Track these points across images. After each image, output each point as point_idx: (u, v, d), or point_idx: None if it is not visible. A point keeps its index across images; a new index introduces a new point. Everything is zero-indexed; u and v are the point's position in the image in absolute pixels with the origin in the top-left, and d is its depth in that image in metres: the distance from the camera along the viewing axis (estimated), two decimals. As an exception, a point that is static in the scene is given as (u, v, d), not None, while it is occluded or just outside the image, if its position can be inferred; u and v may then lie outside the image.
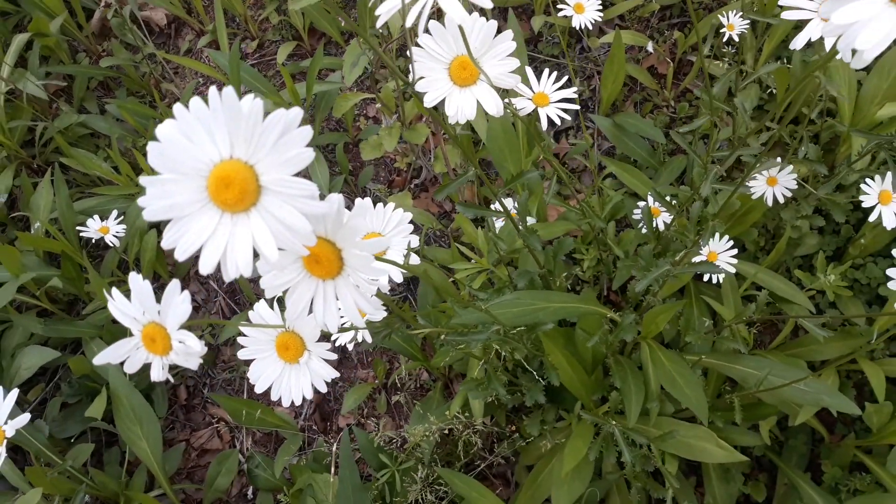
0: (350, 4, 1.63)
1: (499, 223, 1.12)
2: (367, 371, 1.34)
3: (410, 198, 1.38)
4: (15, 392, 0.74)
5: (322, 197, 0.41)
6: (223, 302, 1.44)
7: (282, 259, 0.44)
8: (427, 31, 0.55)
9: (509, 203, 1.14)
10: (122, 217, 1.29)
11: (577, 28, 0.95)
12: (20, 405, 1.31)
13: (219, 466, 1.23)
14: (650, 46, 1.36)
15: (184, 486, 1.29)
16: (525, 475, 1.21)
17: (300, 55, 1.61)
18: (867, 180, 0.89)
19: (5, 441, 0.74)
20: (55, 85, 1.60)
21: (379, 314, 0.67)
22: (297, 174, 0.39)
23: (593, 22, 0.94)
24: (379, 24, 0.47)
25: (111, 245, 1.27)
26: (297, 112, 0.37)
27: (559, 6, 0.96)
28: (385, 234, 0.65)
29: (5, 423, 0.74)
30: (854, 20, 0.39)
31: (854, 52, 0.42)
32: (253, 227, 0.39)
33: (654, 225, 1.02)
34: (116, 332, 1.28)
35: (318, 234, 0.44)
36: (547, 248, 1.17)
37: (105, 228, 1.26)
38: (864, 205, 0.89)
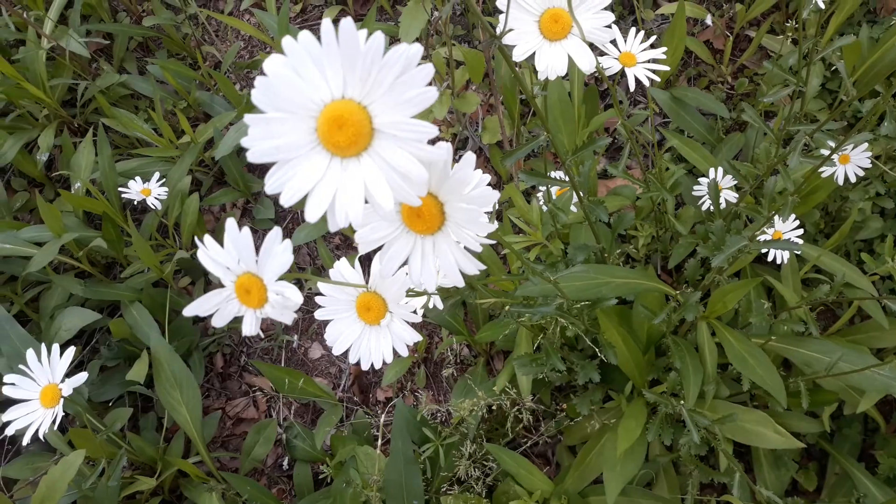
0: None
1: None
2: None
3: (455, 169, 1.35)
4: (71, 350, 0.72)
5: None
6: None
7: (379, 212, 0.41)
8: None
9: (560, 176, 1.11)
10: (163, 180, 1.27)
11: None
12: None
13: (256, 435, 1.21)
14: (709, 19, 1.31)
15: (219, 454, 1.28)
16: (567, 456, 1.19)
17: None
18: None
19: (62, 400, 0.72)
20: (95, 44, 1.58)
21: (476, 270, 0.64)
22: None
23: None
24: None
25: (152, 207, 1.25)
26: (418, 48, 0.34)
27: None
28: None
29: (62, 381, 0.72)
30: None
31: None
32: (365, 172, 0.36)
33: (722, 201, 0.98)
34: (156, 296, 1.26)
35: (421, 186, 0.42)
36: (618, 213, 1.14)
37: (147, 191, 1.23)
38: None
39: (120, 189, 1.24)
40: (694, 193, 1.05)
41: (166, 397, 1.13)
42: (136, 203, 1.43)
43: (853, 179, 0.94)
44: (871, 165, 0.93)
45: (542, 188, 1.05)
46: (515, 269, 1.13)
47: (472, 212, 0.41)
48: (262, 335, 1.37)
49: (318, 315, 0.52)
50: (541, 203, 1.06)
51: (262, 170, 1.45)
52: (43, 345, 0.77)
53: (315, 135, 0.36)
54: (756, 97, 1.28)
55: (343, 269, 0.52)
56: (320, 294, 0.52)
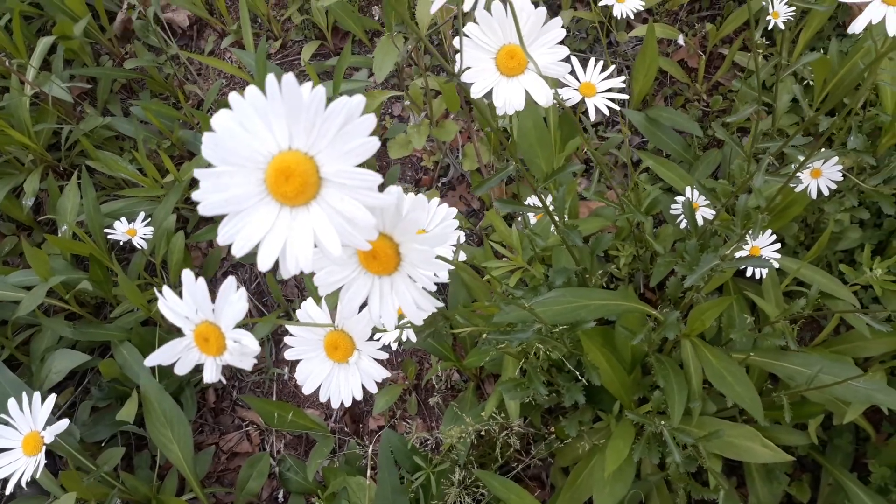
0: (370, 3, 1.62)
1: (531, 220, 1.10)
2: (398, 372, 1.33)
3: (438, 196, 1.36)
4: (52, 398, 0.73)
5: (381, 188, 0.39)
6: (251, 304, 1.43)
7: (341, 255, 0.42)
8: (466, 26, 0.53)
9: (538, 201, 1.12)
10: (149, 219, 1.28)
11: (619, 17, 0.92)
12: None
13: (250, 469, 1.21)
14: (681, 39, 1.33)
15: (214, 489, 1.27)
16: (561, 477, 1.19)
17: (323, 55, 1.60)
18: (918, 170, 0.86)
19: (44, 447, 0.72)
20: (79, 88, 1.60)
21: (434, 308, 0.65)
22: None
23: (635, 11, 0.92)
24: (434, 8, 0.45)
25: (139, 247, 1.26)
26: (360, 99, 0.35)
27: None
28: (429, 230, 0.63)
29: (43, 428, 0.72)
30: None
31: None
32: (314, 221, 0.37)
33: (698, 219, 0.99)
34: (145, 335, 1.27)
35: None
36: (595, 236, 1.15)
37: (132, 231, 1.25)
38: (915, 195, 0.86)
39: (105, 230, 1.25)
40: (671, 212, 1.06)
41: (157, 436, 1.14)
42: (121, 244, 1.44)
43: (826, 193, 0.95)
44: (842, 178, 0.95)
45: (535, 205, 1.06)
46: (500, 294, 1.13)
47: (426, 252, 0.41)
48: (250, 370, 1.38)
49: (288, 355, 0.53)
50: (521, 228, 1.07)
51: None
52: (24, 393, 0.78)
53: (264, 186, 0.37)
54: (730, 113, 1.29)
55: (310, 308, 0.52)
56: (299, 326, 0.52)
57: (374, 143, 0.35)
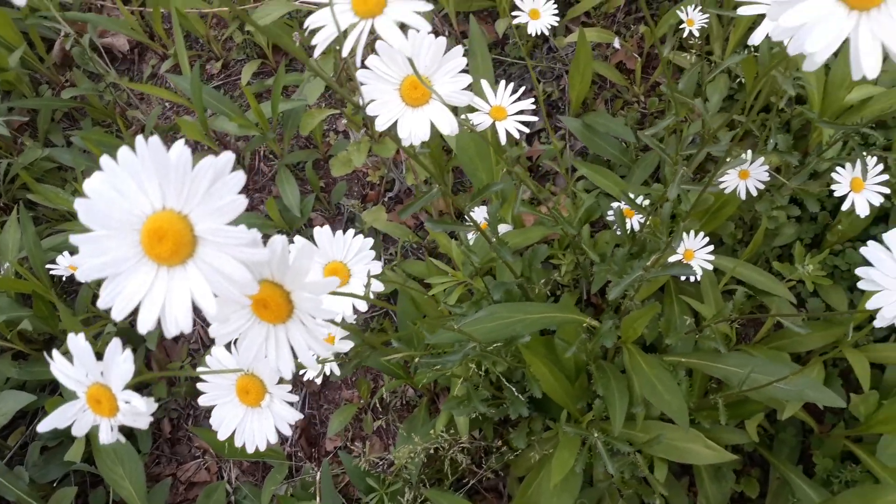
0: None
1: (473, 234, 1.11)
2: (352, 391, 1.32)
3: (384, 211, 1.36)
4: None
5: (289, 232, 0.40)
6: (201, 330, 1.42)
7: (225, 309, 0.42)
8: (367, 58, 0.54)
9: (484, 212, 1.13)
10: (93, 251, 1.27)
11: (535, 34, 0.93)
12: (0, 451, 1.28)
13: (206, 500, 1.21)
14: (616, 42, 1.35)
15: (173, 520, 1.26)
16: (517, 487, 1.19)
17: (266, 73, 1.59)
18: (838, 168, 0.88)
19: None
20: (18, 120, 1.58)
21: (329, 354, 0.66)
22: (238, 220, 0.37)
23: (549, 27, 0.93)
24: (316, 53, 0.45)
25: (83, 281, 1.24)
26: (227, 158, 0.36)
27: (514, 14, 0.94)
28: (346, 261, 0.63)
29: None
30: (803, 22, 0.38)
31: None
32: (190, 279, 0.37)
33: (629, 226, 1.01)
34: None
35: (264, 277, 0.43)
36: (526, 253, 1.16)
37: (74, 266, 1.23)
38: (836, 194, 0.88)
39: (48, 266, 1.23)
40: (608, 219, 1.08)
41: (109, 473, 1.12)
42: (68, 277, 1.42)
43: (755, 193, 0.97)
44: (769, 178, 0.96)
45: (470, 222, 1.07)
46: (435, 312, 1.14)
47: (315, 300, 0.42)
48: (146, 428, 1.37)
49: (202, 401, 0.53)
50: (460, 243, 1.08)
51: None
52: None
53: (140, 247, 0.37)
54: (666, 114, 1.31)
55: (219, 354, 0.52)
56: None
57: (242, 202, 0.35)
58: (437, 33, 1.32)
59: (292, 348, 0.44)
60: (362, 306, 0.63)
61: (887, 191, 0.87)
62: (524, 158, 1.41)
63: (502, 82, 0.67)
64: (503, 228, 1.15)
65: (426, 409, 1.20)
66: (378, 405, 1.31)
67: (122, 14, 1.57)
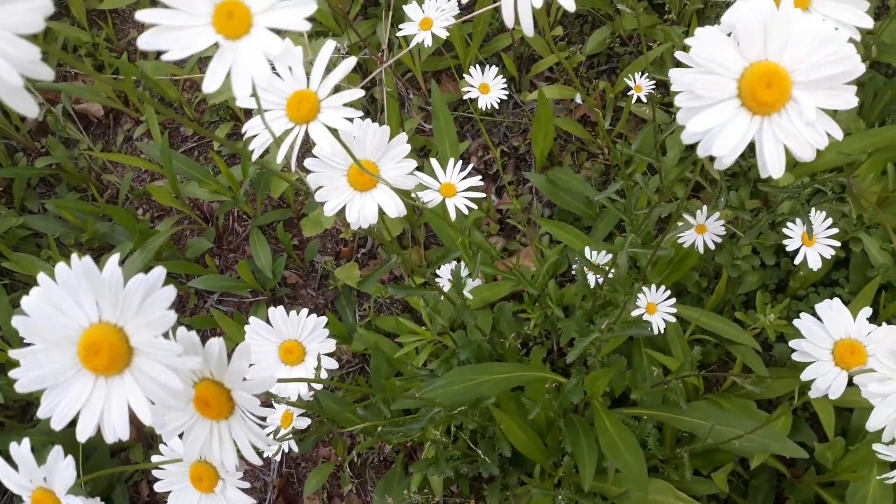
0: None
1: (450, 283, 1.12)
2: (329, 448, 1.33)
3: (357, 268, 1.38)
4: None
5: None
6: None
7: (165, 414, 0.43)
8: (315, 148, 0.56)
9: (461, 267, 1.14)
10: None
11: (484, 108, 0.96)
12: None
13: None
14: (578, 98, 1.38)
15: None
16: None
17: (239, 134, 1.62)
18: (789, 224, 0.90)
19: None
20: (-7, 187, 1.59)
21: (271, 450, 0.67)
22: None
23: (499, 101, 0.96)
24: (254, 158, 0.47)
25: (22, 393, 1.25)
26: (157, 274, 0.37)
27: (465, 89, 0.97)
28: (301, 340, 0.64)
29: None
30: (709, 127, 0.40)
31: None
32: (127, 389, 0.38)
33: (591, 282, 1.02)
34: (70, 434, 1.25)
35: (205, 376, 0.44)
36: (495, 308, 1.17)
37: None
38: (788, 248, 0.90)
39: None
40: (573, 272, 1.10)
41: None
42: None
43: (712, 247, 0.99)
44: (725, 232, 0.99)
45: (443, 278, 1.08)
46: (408, 372, 1.15)
47: (251, 400, 0.43)
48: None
49: (157, 487, 0.54)
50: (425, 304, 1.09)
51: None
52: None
53: (78, 359, 0.39)
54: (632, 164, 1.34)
55: (173, 443, 0.53)
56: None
57: (172, 317, 0.37)
58: (402, 98, 1.35)
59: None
60: (305, 393, 0.64)
61: (837, 244, 0.90)
62: (494, 211, 1.43)
63: (451, 160, 0.70)
64: (474, 282, 1.17)
65: (402, 466, 1.21)
66: (356, 461, 1.31)
67: (95, 81, 1.60)
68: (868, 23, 0.43)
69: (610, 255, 1.06)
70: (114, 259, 0.38)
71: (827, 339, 0.53)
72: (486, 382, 0.88)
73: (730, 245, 1.03)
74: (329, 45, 0.47)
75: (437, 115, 1.15)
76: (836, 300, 0.54)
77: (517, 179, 1.48)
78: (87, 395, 0.39)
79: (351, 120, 0.53)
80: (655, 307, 1.01)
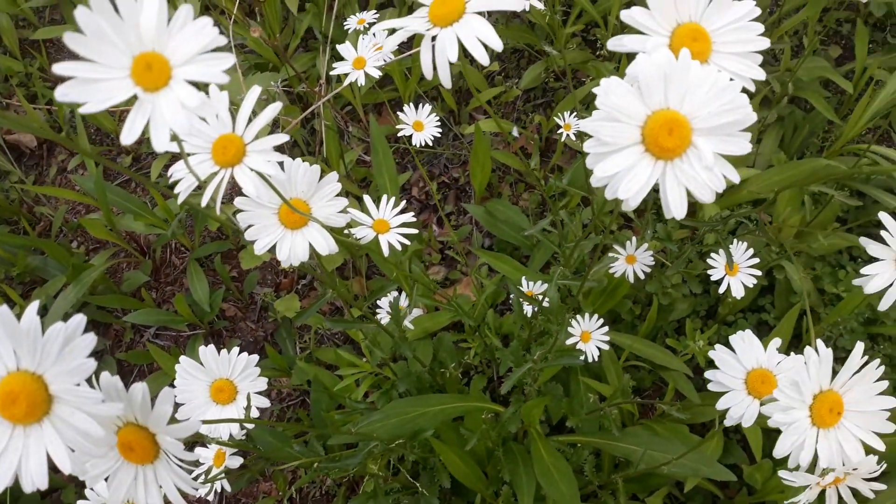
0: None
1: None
2: (270, 483, 1.31)
3: (298, 299, 1.38)
4: None
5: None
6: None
7: (88, 459, 0.43)
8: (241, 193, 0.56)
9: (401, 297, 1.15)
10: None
11: (419, 144, 0.98)
12: None
13: None
14: (515, 131, 1.42)
15: None
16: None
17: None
18: (713, 254, 0.94)
19: None
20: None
21: (195, 491, 0.66)
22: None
23: (433, 138, 0.98)
24: (179, 200, 0.48)
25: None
26: (77, 322, 0.37)
27: (399, 126, 0.99)
28: (233, 378, 0.64)
29: None
30: (615, 172, 0.42)
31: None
32: (46, 437, 0.38)
33: (530, 311, 1.04)
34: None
35: (129, 420, 0.44)
36: (437, 336, 1.18)
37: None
38: (713, 278, 0.94)
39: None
40: (511, 302, 1.12)
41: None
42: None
43: (642, 276, 1.03)
44: (654, 262, 1.02)
45: (384, 309, 1.09)
46: (348, 405, 1.15)
47: (175, 444, 0.43)
48: None
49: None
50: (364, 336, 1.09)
51: (101, 329, 1.44)
52: None
53: (-5, 408, 0.38)
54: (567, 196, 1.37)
55: (98, 488, 0.53)
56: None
57: (91, 364, 0.37)
58: (341, 130, 1.36)
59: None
60: (238, 432, 0.64)
61: (759, 273, 0.94)
62: (435, 241, 1.45)
63: (384, 196, 0.71)
64: (415, 312, 1.18)
65: (343, 500, 1.20)
66: (296, 496, 1.30)
67: (27, 112, 1.57)
68: (760, 75, 0.46)
69: (546, 285, 1.08)
70: (32, 308, 0.38)
71: (740, 369, 0.56)
72: (425, 415, 0.89)
73: (659, 274, 1.06)
74: (255, 90, 0.48)
75: (375, 149, 1.17)
76: (748, 332, 0.56)
77: (458, 210, 1.50)
78: (4, 445, 0.38)
79: (282, 164, 0.54)
80: (590, 335, 1.03)
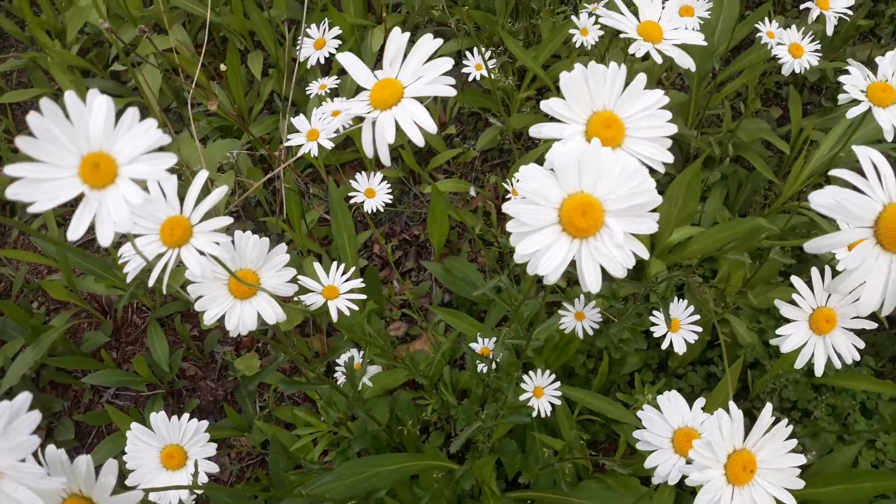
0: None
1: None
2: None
3: (258, 358, 1.39)
4: None
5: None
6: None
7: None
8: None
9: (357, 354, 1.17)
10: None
11: (370, 211, 1.02)
12: None
13: None
14: (472, 191, 1.46)
15: None
16: None
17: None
18: (654, 312, 0.98)
19: None
20: None
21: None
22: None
23: (383, 205, 1.02)
24: (128, 280, 0.50)
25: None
26: (22, 400, 0.40)
27: (351, 194, 1.03)
28: (183, 444, 0.66)
29: None
30: (535, 249, 0.46)
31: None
32: (-9, 510, 0.40)
33: (487, 368, 1.07)
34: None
35: (73, 491, 0.46)
36: (394, 395, 1.20)
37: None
38: (655, 334, 0.98)
39: None
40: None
41: None
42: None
43: (591, 332, 1.06)
44: (601, 319, 1.06)
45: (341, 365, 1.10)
46: (306, 465, 1.16)
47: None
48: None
49: None
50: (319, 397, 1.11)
51: (60, 390, 1.43)
52: None
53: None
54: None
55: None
56: None
57: (35, 441, 0.39)
58: (302, 192, 1.39)
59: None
60: (187, 498, 0.66)
61: (700, 329, 0.98)
62: (395, 298, 1.47)
63: (334, 264, 0.74)
64: (374, 369, 1.20)
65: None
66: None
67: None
68: (669, 158, 0.50)
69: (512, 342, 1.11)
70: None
71: (667, 428, 0.59)
72: (379, 474, 0.90)
73: (607, 330, 1.10)
74: (202, 174, 0.51)
75: (334, 210, 1.20)
76: (674, 392, 0.60)
77: (418, 267, 1.53)
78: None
79: (233, 239, 0.57)
80: (542, 391, 1.06)
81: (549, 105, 0.51)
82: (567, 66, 1.43)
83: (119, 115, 0.38)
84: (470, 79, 1.22)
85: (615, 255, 0.46)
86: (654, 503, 1.02)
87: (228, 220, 0.49)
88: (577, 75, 0.51)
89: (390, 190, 1.02)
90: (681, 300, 0.99)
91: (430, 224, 1.34)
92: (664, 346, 0.97)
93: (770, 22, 1.11)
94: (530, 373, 1.05)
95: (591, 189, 0.46)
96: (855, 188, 0.42)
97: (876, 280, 0.42)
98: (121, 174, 0.37)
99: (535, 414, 1.10)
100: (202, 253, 0.50)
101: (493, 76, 1.33)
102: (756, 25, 1.11)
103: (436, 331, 1.28)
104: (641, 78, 0.52)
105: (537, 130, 0.51)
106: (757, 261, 1.27)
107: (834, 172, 0.43)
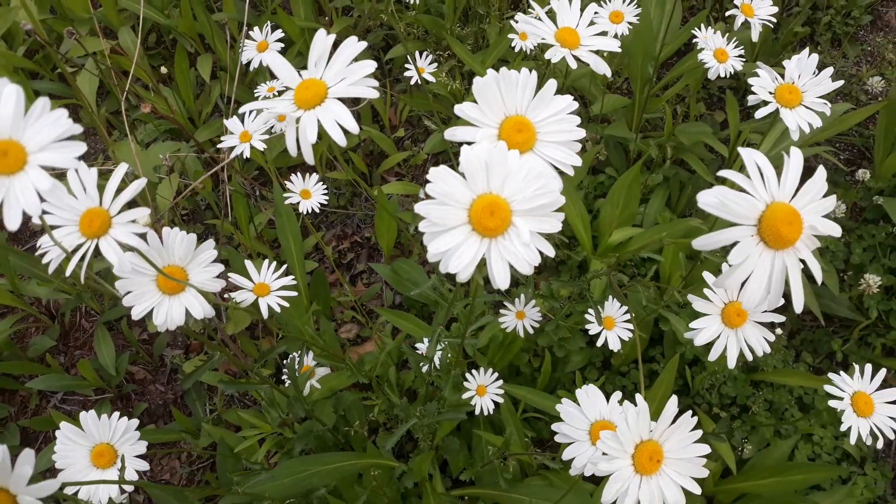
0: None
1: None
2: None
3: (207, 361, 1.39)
4: None
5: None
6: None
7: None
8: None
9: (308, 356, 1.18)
10: None
11: (304, 212, 1.03)
12: None
13: None
14: (422, 194, 1.48)
15: None
16: None
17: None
18: (590, 311, 1.01)
19: None
20: None
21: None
22: None
23: (319, 207, 1.03)
24: (50, 270, 0.51)
25: None
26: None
27: (286, 195, 1.04)
28: (113, 443, 0.66)
29: None
30: (446, 249, 0.47)
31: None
32: None
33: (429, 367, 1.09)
34: None
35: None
36: (336, 395, 1.21)
37: None
38: (590, 332, 1.01)
39: None
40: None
41: None
42: None
43: (531, 331, 1.09)
44: (542, 318, 1.08)
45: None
46: (247, 465, 1.16)
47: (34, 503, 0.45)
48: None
49: None
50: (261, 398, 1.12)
51: (6, 395, 1.41)
52: None
53: None
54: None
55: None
56: None
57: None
58: (248, 195, 1.39)
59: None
60: (116, 495, 0.66)
61: (632, 327, 1.01)
62: (346, 300, 1.48)
63: (266, 261, 0.75)
64: (321, 371, 1.21)
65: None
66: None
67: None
68: (577, 161, 0.52)
69: (445, 342, 1.13)
70: None
71: (584, 421, 0.61)
72: (319, 473, 0.91)
73: (547, 328, 1.12)
74: (122, 167, 0.52)
75: (279, 212, 1.21)
76: (592, 386, 0.62)
77: (368, 269, 1.54)
78: None
79: (152, 235, 0.58)
80: (485, 389, 1.08)
81: (462, 109, 0.53)
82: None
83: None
84: (412, 82, 1.24)
85: (522, 254, 0.48)
86: (594, 500, 1.05)
87: (147, 211, 0.50)
88: (490, 81, 0.53)
89: (326, 191, 1.03)
90: (612, 300, 1.02)
91: (378, 227, 1.35)
92: (599, 343, 1.00)
93: (708, 28, 1.14)
94: (473, 371, 1.07)
95: (499, 190, 0.48)
96: (741, 189, 0.45)
97: (760, 275, 0.44)
98: (30, 161, 0.38)
99: (477, 412, 1.12)
100: (126, 247, 0.51)
101: (438, 80, 1.35)
102: (693, 31, 1.14)
103: (382, 332, 1.29)
104: (552, 84, 0.54)
105: (451, 134, 0.53)
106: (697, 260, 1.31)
107: (721, 173, 0.45)
